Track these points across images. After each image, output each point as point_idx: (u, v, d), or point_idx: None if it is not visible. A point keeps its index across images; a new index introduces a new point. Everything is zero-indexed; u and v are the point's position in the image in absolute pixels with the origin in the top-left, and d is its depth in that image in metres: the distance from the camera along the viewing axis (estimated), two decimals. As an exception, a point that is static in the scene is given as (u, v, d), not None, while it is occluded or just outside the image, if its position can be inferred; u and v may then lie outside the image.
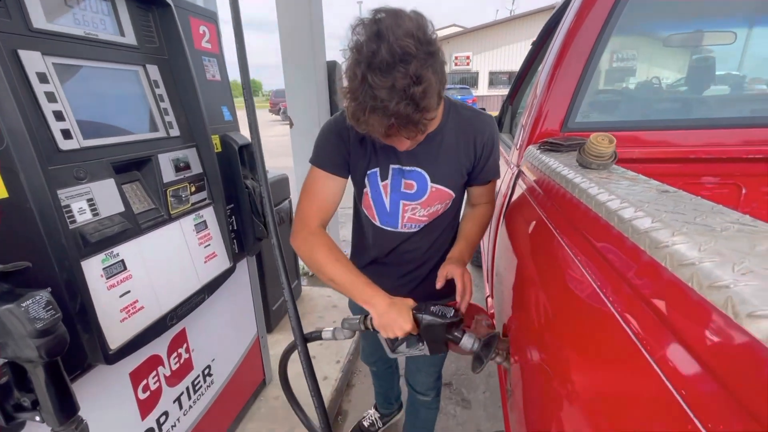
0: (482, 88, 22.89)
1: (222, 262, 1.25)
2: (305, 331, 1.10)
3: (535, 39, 2.16)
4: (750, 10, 1.64)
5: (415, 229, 1.04)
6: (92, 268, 0.82)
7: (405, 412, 1.41)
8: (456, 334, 0.87)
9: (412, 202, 0.99)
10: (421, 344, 0.90)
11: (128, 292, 0.90)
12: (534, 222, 0.91)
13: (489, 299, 1.72)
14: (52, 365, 0.63)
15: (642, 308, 0.41)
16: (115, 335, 0.86)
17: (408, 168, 0.95)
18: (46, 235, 0.73)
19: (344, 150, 0.95)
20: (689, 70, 1.98)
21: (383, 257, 1.11)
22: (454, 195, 1.01)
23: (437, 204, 1.00)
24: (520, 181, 1.24)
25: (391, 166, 0.95)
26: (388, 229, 1.05)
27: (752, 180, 1.21)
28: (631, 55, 2.17)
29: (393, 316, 0.83)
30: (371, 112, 0.67)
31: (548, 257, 0.73)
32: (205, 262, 1.18)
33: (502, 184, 1.53)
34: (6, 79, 0.69)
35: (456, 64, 22.89)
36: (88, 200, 0.84)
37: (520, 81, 2.43)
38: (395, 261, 1.11)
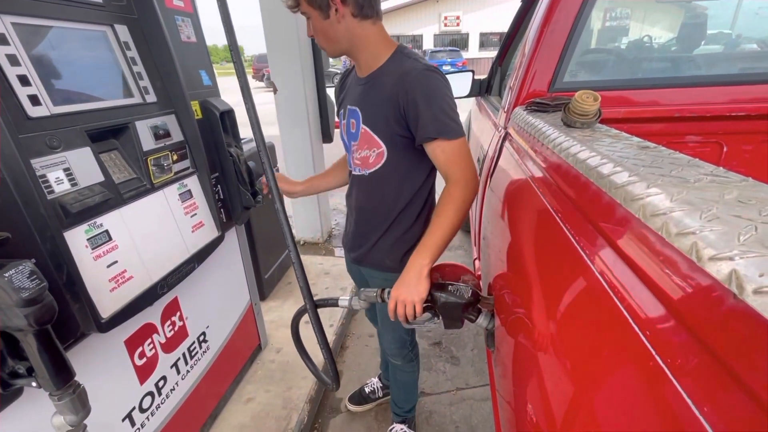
0: (473, 50, 22.23)
1: (210, 232, 1.25)
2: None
3: (525, -5, 2.08)
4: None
5: (360, 173, 1.08)
6: (76, 238, 0.82)
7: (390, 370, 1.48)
8: (472, 313, 0.90)
9: (354, 142, 1.05)
10: (436, 318, 0.94)
11: (116, 262, 0.90)
12: (519, 184, 0.92)
13: (476, 261, 1.76)
14: (43, 333, 0.64)
15: (615, 259, 0.42)
16: (106, 304, 0.87)
17: (351, 107, 1.03)
18: (23, 206, 0.71)
19: (336, 100, 1.18)
20: (681, 29, 1.95)
21: (347, 200, 1.21)
22: (383, 146, 0.99)
23: (366, 149, 1.02)
24: (507, 144, 1.24)
25: (348, 106, 1.06)
26: (349, 168, 1.14)
27: (734, 138, 1.23)
28: (624, 13, 2.11)
29: (411, 284, 0.89)
30: None
31: (532, 218, 0.74)
32: (193, 231, 1.17)
33: (489, 147, 1.52)
34: (-39, 41, 0.65)
35: (445, 25, 22.07)
36: (65, 170, 0.81)
37: (509, 41, 2.36)
38: (350, 211, 1.20)
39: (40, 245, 0.74)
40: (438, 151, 0.93)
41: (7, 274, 0.57)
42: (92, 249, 0.85)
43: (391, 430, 1.52)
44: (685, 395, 0.29)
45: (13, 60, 0.76)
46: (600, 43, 2.04)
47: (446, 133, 0.90)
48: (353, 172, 1.11)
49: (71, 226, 0.81)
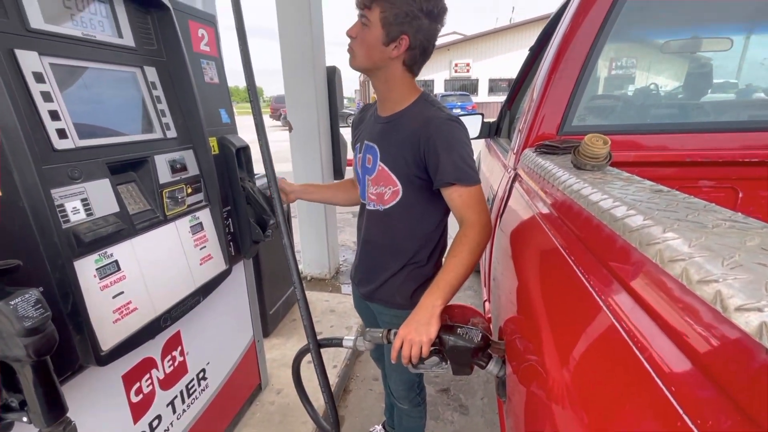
0: (482, 95, 23.03)
1: (218, 264, 1.24)
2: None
3: (532, 45, 2.17)
4: (747, 16, 1.64)
5: (374, 208, 1.09)
6: (85, 268, 0.82)
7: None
8: (482, 359, 0.86)
9: (369, 177, 1.08)
10: (444, 363, 0.90)
11: (122, 293, 0.90)
12: (530, 225, 0.91)
13: (486, 303, 1.71)
14: (41, 365, 0.62)
15: (632, 306, 0.40)
16: (108, 336, 0.86)
17: (369, 143, 1.06)
18: (38, 234, 0.73)
19: (353, 135, 1.22)
20: (687, 77, 1.99)
21: (358, 232, 1.22)
22: (399, 184, 1.01)
23: (382, 185, 1.04)
24: (516, 185, 1.24)
25: (365, 141, 1.09)
26: (362, 201, 1.16)
27: (749, 183, 1.21)
28: (630, 62, 2.18)
29: (421, 323, 0.87)
30: None
31: (543, 259, 0.73)
32: (201, 264, 1.17)
33: (499, 187, 1.53)
34: (1, 79, 0.70)
35: (456, 71, 23.06)
36: (83, 200, 0.83)
37: (518, 86, 2.44)
38: (360, 243, 1.20)
39: (50, 273, 0.74)
40: (455, 195, 0.95)
41: (13, 302, 0.57)
42: (100, 279, 0.85)
43: None
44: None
45: (47, 96, 0.81)
46: (607, 90, 2.09)
47: (464, 179, 0.93)
48: (367, 207, 1.12)
49: (82, 255, 0.82)
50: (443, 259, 1.03)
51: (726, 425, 0.26)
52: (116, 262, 0.89)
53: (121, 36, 1.01)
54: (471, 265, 0.91)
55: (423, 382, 1.31)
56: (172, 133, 1.13)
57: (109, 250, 0.88)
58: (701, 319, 0.31)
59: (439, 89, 23.08)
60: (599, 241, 0.52)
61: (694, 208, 0.46)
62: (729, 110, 1.76)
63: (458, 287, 0.91)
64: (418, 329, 0.86)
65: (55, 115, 0.82)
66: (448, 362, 0.90)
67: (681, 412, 0.29)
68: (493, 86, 23.18)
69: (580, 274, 0.53)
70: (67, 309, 0.77)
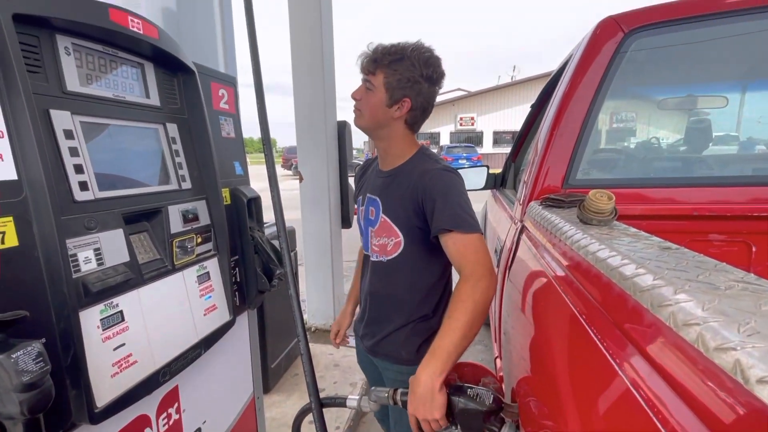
0: (487, 147, 23.73)
1: (222, 315, 1.23)
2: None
3: (534, 102, 2.28)
4: (741, 74, 1.72)
5: (377, 259, 1.10)
6: (90, 318, 0.82)
7: None
8: (494, 424, 0.80)
9: (372, 228, 1.09)
10: (454, 428, 0.85)
11: (123, 344, 0.88)
12: (539, 279, 0.89)
13: (498, 360, 1.63)
14: (33, 423, 0.60)
15: (651, 372, 0.38)
16: (104, 391, 0.83)
17: (372, 196, 1.10)
18: (48, 284, 0.73)
19: (356, 188, 1.28)
20: (687, 132, 2.05)
21: (361, 284, 1.22)
22: (401, 235, 1.02)
23: (385, 236, 1.05)
24: (524, 237, 1.24)
25: (368, 195, 1.12)
26: (366, 253, 1.16)
27: (762, 238, 1.19)
28: (630, 116, 2.26)
29: (426, 399, 0.82)
30: (364, 53, 1.01)
31: (555, 317, 0.71)
32: (205, 314, 1.16)
33: (507, 238, 1.53)
34: (34, 137, 0.74)
35: (461, 124, 24.00)
36: (95, 250, 0.85)
37: (521, 140, 2.52)
38: (363, 296, 1.19)
39: (54, 324, 0.74)
40: (450, 242, 0.93)
41: (14, 355, 0.56)
42: (103, 330, 0.84)
43: None
44: None
45: (74, 152, 0.85)
46: (609, 143, 2.15)
47: (461, 226, 0.91)
48: (371, 258, 1.13)
49: (88, 305, 0.82)
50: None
51: None
52: (121, 312, 0.89)
53: (148, 96, 1.09)
54: (470, 325, 0.85)
55: None
56: (187, 185, 1.17)
57: (116, 300, 0.88)
58: (722, 389, 0.29)
59: (444, 141, 23.90)
60: (610, 300, 0.51)
61: (705, 268, 0.45)
62: (732, 164, 1.79)
63: (458, 353, 0.84)
64: (426, 407, 0.81)
65: (79, 169, 0.86)
66: (458, 426, 0.84)
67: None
68: (498, 138, 23.95)
69: (593, 335, 0.51)
70: (67, 361, 0.75)
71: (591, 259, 0.58)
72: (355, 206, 1.26)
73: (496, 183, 2.62)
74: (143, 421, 1.04)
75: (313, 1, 2.55)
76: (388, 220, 1.04)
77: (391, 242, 1.05)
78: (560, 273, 0.74)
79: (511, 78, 27.96)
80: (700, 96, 1.92)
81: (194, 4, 1.57)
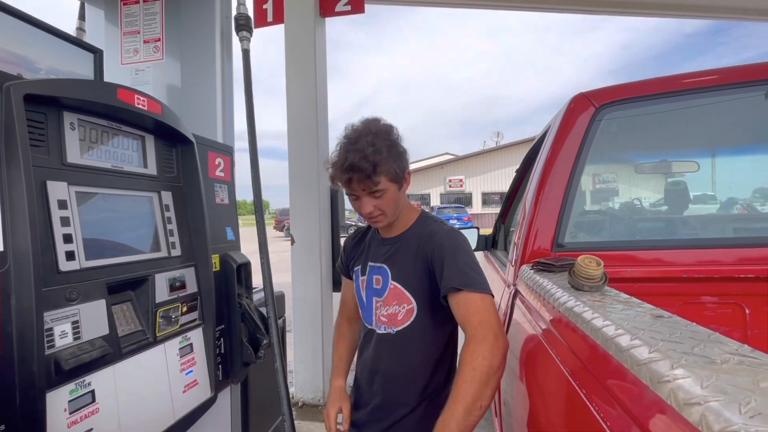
0: (476, 207, 24.32)
1: (203, 392, 1.14)
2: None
3: (518, 167, 2.39)
4: (707, 142, 1.84)
5: (385, 332, 1.02)
6: (57, 400, 0.76)
7: None
8: None
9: (379, 298, 1.05)
10: None
11: (90, 430, 0.81)
12: (536, 347, 0.86)
13: (500, 436, 1.51)
14: None
15: (658, 457, 0.36)
16: (62, 488, 0.74)
17: (377, 264, 1.07)
18: (18, 362, 0.69)
19: (346, 257, 1.20)
20: (666, 193, 2.14)
21: (360, 361, 1.12)
22: (413, 301, 0.98)
23: (395, 304, 1.01)
24: (518, 301, 1.22)
25: (370, 263, 1.08)
26: (368, 326, 1.09)
27: (754, 300, 1.19)
28: (611, 178, 2.37)
29: None
30: (340, 169, 0.94)
31: (553, 388, 0.67)
32: (184, 391, 1.08)
33: (501, 301, 1.50)
34: (27, 208, 0.75)
35: (450, 186, 24.80)
36: (73, 323, 0.81)
37: (509, 202, 2.60)
38: (366, 376, 1.08)
39: (17, 407, 0.68)
40: (459, 302, 0.89)
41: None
42: (70, 414, 0.77)
43: None
44: None
45: (65, 221, 0.86)
46: (595, 202, 2.23)
47: (470, 285, 0.89)
48: (377, 331, 1.05)
49: (57, 385, 0.76)
50: None
51: None
52: (92, 392, 0.83)
53: (146, 166, 1.12)
54: (476, 396, 0.77)
55: None
56: (176, 252, 1.16)
57: (87, 378, 0.82)
58: (735, 482, 0.27)
59: (435, 202, 24.48)
60: (608, 372, 0.49)
61: (699, 339, 0.45)
62: (713, 224, 1.84)
63: (463, 429, 0.77)
64: None
65: (68, 239, 0.85)
66: None
67: None
68: (486, 199, 24.65)
69: (594, 412, 0.49)
70: (25, 452, 0.68)
71: (586, 329, 0.57)
72: (347, 276, 1.21)
73: (487, 244, 2.64)
74: None
75: (309, 72, 2.77)
76: (399, 286, 1.01)
77: (403, 310, 1.00)
78: (556, 340, 0.72)
79: (496, 143, 29.62)
80: (672, 161, 2.04)
81: (198, 79, 1.69)
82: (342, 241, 1.35)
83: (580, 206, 1.63)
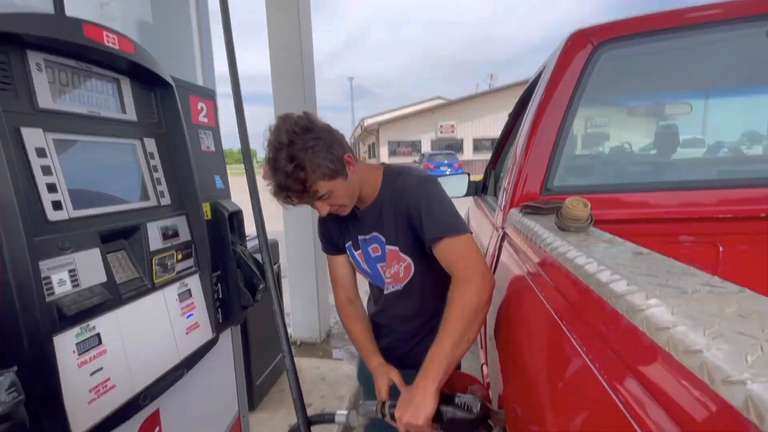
0: (467, 153, 24.14)
1: (204, 333, 1.20)
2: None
3: (511, 111, 2.34)
4: (703, 83, 1.81)
5: (393, 290, 1.09)
6: (64, 343, 0.79)
7: None
8: (482, 431, 0.82)
9: (382, 264, 1.08)
10: None
11: (100, 369, 0.85)
12: (522, 286, 0.91)
13: (484, 367, 1.64)
14: (5, 457, 0.57)
15: (626, 373, 0.40)
16: (80, 419, 0.80)
17: (369, 235, 1.08)
18: (20, 310, 0.70)
19: (327, 232, 1.17)
20: (656, 137, 2.15)
21: (377, 315, 1.19)
22: (407, 258, 1.02)
23: (395, 265, 1.05)
24: (506, 244, 1.27)
25: (359, 237, 1.09)
26: (380, 288, 1.15)
27: (727, 238, 1.25)
28: (603, 122, 2.35)
29: (414, 404, 0.82)
30: (274, 189, 0.93)
31: (537, 322, 0.72)
32: (187, 333, 1.13)
33: (489, 245, 1.55)
34: (4, 156, 0.72)
35: (442, 132, 24.37)
36: (70, 271, 0.82)
37: (500, 148, 2.58)
38: (386, 322, 1.18)
39: (27, 351, 0.71)
40: (441, 251, 0.92)
41: (-16, 387, 0.54)
42: (79, 355, 0.81)
43: None
44: None
45: (47, 170, 0.83)
46: (585, 148, 2.23)
47: (449, 231, 0.91)
48: (385, 292, 1.13)
49: (63, 329, 0.79)
50: None
51: None
52: (98, 335, 0.86)
53: (124, 111, 1.07)
54: (463, 332, 0.83)
55: None
56: (166, 201, 1.15)
57: (92, 323, 0.85)
58: (692, 390, 0.31)
59: (426, 148, 24.18)
60: (589, 305, 0.53)
61: (674, 272, 0.48)
62: (700, 167, 1.87)
63: (451, 361, 0.83)
64: (413, 412, 0.81)
65: (52, 188, 0.83)
66: None
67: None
68: (477, 145, 24.41)
69: (573, 341, 0.53)
70: (41, 390, 0.72)
71: (569, 266, 0.60)
72: (336, 254, 1.18)
73: (477, 190, 2.67)
74: (123, 448, 1.00)
75: (292, 10, 2.57)
76: (394, 248, 1.05)
77: (402, 267, 1.05)
78: (541, 279, 0.76)
79: (489, 86, 28.64)
80: (666, 103, 2.01)
81: (171, 16, 1.55)
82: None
83: (570, 151, 1.63)
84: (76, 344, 0.81)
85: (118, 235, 1.01)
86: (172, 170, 1.19)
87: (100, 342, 0.86)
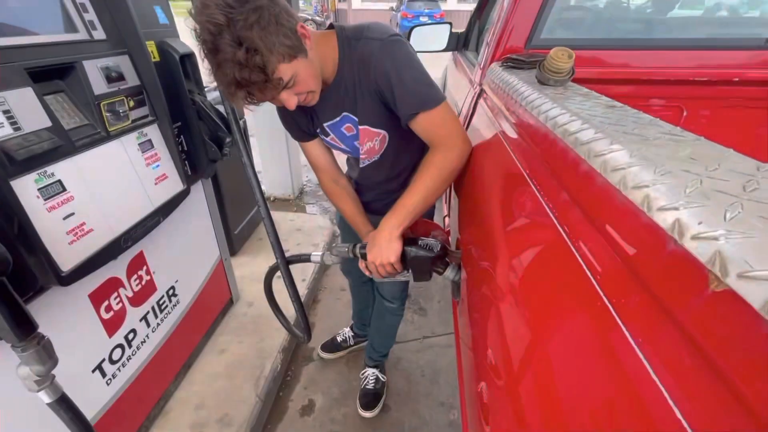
0: (451, 2, 21.27)
1: (174, 185, 1.19)
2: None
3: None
4: None
5: (369, 162, 1.08)
6: (25, 188, 0.76)
7: (372, 316, 1.53)
8: (440, 266, 0.94)
9: (356, 142, 1.02)
10: (406, 272, 0.96)
11: (72, 214, 0.86)
12: (491, 142, 0.93)
13: (446, 219, 1.80)
14: (1, 288, 0.61)
15: (577, 213, 0.45)
16: (66, 257, 0.84)
17: (338, 117, 0.97)
18: (-39, 151, 0.65)
19: (292, 120, 1.02)
20: (657, -10, 1.94)
21: (357, 178, 1.20)
22: (382, 131, 0.98)
23: (368, 142, 1.01)
24: (481, 101, 1.23)
25: (325, 125, 1.00)
26: (359, 164, 1.12)
27: (694, 103, 1.28)
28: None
29: (383, 247, 0.89)
30: (227, 89, 0.72)
31: (499, 172, 0.76)
32: (156, 183, 1.12)
33: (464, 104, 1.51)
34: None
35: (424, -28, 20.80)
36: (5, 111, 0.74)
37: (489, -7, 2.27)
38: (367, 184, 1.20)
39: (-15, 194, 0.69)
40: (418, 125, 0.87)
41: (-51, 224, 0.53)
42: (45, 200, 0.80)
43: (363, 374, 1.62)
44: (626, 331, 0.32)
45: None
46: (580, 0, 2.01)
47: (425, 103, 0.84)
48: (362, 165, 1.10)
49: (18, 174, 0.75)
50: None
51: (635, 301, 0.32)
52: (60, 182, 0.83)
53: None
54: (432, 190, 0.88)
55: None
56: (99, 34, 0.98)
57: (49, 169, 0.82)
58: (630, 220, 0.35)
59: (405, -7, 20.94)
60: (553, 154, 0.55)
61: (641, 123, 0.49)
62: (690, 27, 1.77)
63: (417, 212, 0.89)
64: (382, 252, 0.90)
65: (-55, 5, 0.68)
66: (410, 271, 0.97)
67: (602, 294, 0.35)
68: (464, -9, 21.34)
69: (533, 186, 0.57)
70: (14, 231, 0.73)
71: (542, 119, 0.61)
72: (306, 140, 1.07)
73: (458, 44, 2.44)
74: (115, 282, 1.09)
75: None
76: (367, 127, 0.96)
77: (377, 142, 1.00)
78: (511, 134, 0.77)
79: None
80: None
81: None
82: None
83: (563, 2, 1.47)
84: (39, 189, 0.79)
85: (52, 73, 0.89)
86: (98, -8, 0.98)
87: (64, 188, 0.84)
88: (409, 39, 2.25)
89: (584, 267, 0.41)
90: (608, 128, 0.47)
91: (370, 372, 1.60)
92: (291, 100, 0.80)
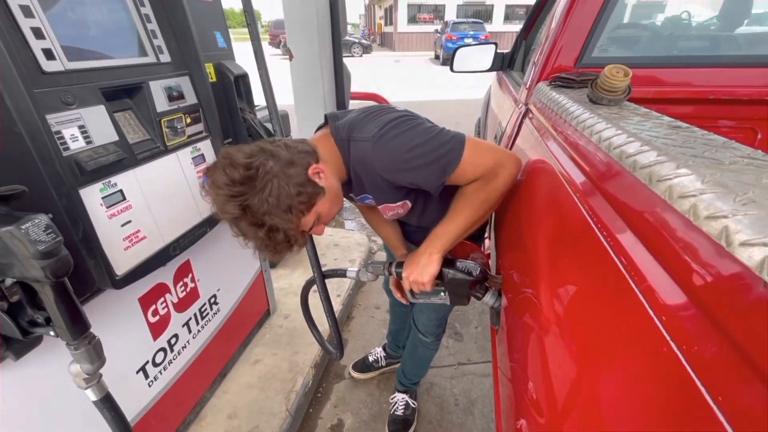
0: (497, 23, 21.27)
1: (222, 197, 1.25)
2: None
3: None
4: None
5: (401, 217, 1.06)
6: (91, 196, 0.83)
7: (407, 343, 1.49)
8: (479, 291, 0.89)
9: (379, 207, 1.02)
10: (443, 293, 0.94)
11: (129, 221, 0.92)
12: (537, 162, 0.89)
13: (486, 240, 1.74)
14: (60, 285, 0.66)
15: (634, 242, 0.40)
16: (121, 262, 0.89)
17: (359, 196, 1.00)
18: (40, 162, 0.72)
19: None
20: (723, 4, 1.82)
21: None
22: (403, 202, 0.97)
23: (390, 212, 1.01)
24: (526, 121, 1.19)
25: (350, 195, 1.02)
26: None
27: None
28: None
29: (420, 264, 0.87)
30: (264, 253, 0.79)
31: (546, 195, 0.72)
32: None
33: (508, 124, 1.48)
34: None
35: (469, -5, 21.08)
36: (80, 127, 0.81)
37: (536, 14, 2.24)
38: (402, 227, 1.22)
39: (56, 201, 0.75)
40: (455, 180, 0.84)
41: (23, 227, 0.58)
42: (107, 207, 0.86)
43: (393, 398, 1.57)
44: (698, 382, 0.28)
45: (27, 11, 0.75)
46: (633, 19, 1.92)
47: (446, 169, 0.81)
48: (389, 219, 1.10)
49: (86, 183, 0.82)
50: None
51: (711, 351, 0.28)
52: (121, 191, 0.90)
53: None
54: (474, 218, 0.85)
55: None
56: (165, 58, 1.07)
57: (113, 180, 0.88)
58: (703, 255, 0.31)
59: (450, 16, 21.27)
60: (607, 177, 0.51)
61: (712, 145, 0.44)
62: (763, 43, 1.63)
63: (459, 238, 0.87)
64: (419, 272, 0.87)
65: (38, 33, 0.76)
66: (447, 293, 0.94)
67: (668, 338, 0.31)
68: (510, 13, 21.30)
69: (583, 211, 0.53)
70: (79, 235, 0.79)
71: (595, 139, 0.57)
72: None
73: (503, 64, 2.41)
74: (162, 288, 1.15)
75: None
76: (386, 204, 0.98)
77: (399, 208, 1.00)
78: (560, 154, 0.73)
79: (534, -67, 23.45)
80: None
81: None
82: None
83: (617, 20, 1.41)
84: (102, 198, 0.85)
85: (121, 93, 0.97)
86: (167, 22, 1.07)
87: (124, 198, 0.91)
88: (453, 60, 2.25)
89: (645, 304, 0.36)
90: (673, 150, 0.43)
91: (400, 397, 1.55)
92: (320, 229, 0.85)
